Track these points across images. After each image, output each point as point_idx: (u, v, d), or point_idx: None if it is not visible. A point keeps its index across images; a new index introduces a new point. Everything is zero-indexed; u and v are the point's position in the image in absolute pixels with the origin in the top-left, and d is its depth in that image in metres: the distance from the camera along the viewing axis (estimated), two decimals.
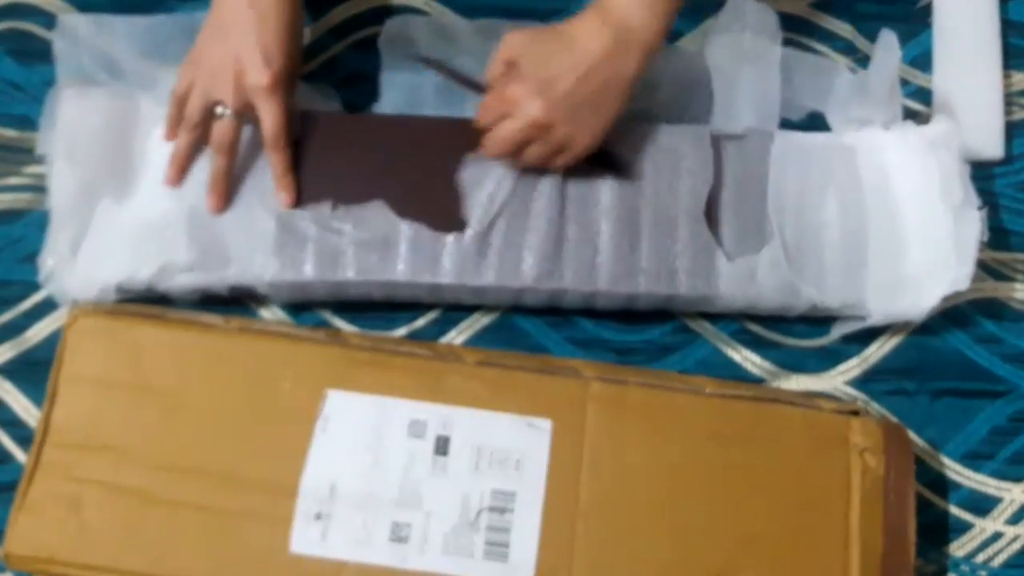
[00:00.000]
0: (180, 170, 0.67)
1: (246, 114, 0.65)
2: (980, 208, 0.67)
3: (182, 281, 0.66)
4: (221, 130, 0.65)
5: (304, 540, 0.58)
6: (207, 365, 0.61)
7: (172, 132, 0.68)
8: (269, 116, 0.64)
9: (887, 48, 0.70)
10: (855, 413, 0.61)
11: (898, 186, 0.69)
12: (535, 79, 0.61)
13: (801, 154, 0.70)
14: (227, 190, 0.67)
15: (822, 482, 0.59)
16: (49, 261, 0.67)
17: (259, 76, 0.63)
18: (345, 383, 0.61)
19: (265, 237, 0.66)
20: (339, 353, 0.62)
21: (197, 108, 0.65)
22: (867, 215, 0.69)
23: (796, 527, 0.58)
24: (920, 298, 0.67)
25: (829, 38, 0.78)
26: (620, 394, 0.61)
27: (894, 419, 0.67)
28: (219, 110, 0.64)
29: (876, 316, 0.67)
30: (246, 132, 0.67)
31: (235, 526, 0.58)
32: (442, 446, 0.60)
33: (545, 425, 0.60)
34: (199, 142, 0.67)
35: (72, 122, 0.69)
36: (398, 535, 0.58)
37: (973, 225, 0.66)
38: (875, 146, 0.70)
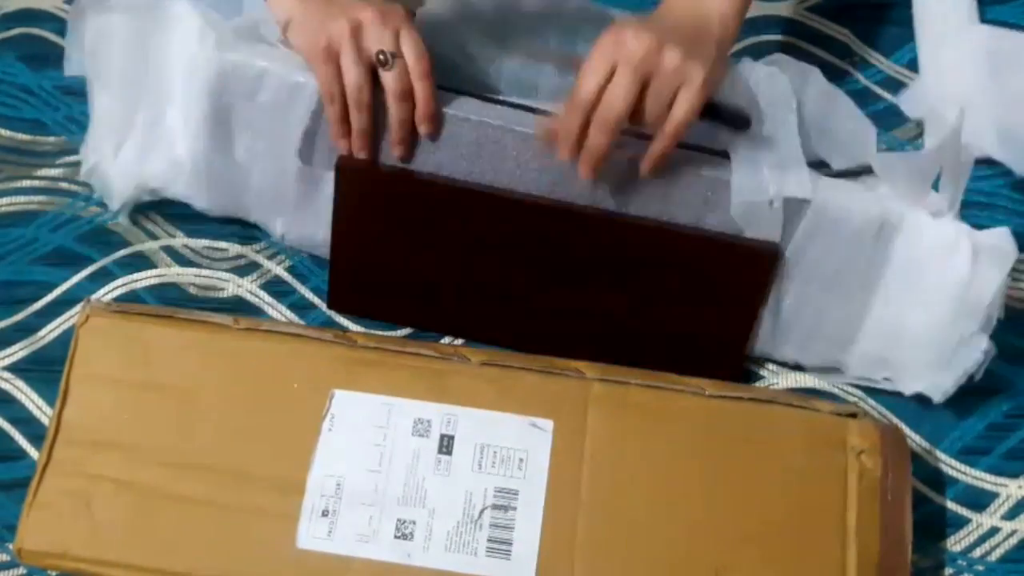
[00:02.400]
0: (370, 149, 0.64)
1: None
2: (990, 337, 0.63)
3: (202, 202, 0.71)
4: (395, 76, 0.61)
5: (311, 536, 0.58)
6: (216, 364, 0.62)
7: (341, 124, 0.63)
8: (411, 48, 0.61)
9: (948, 126, 0.59)
10: (853, 415, 0.61)
11: (921, 281, 0.64)
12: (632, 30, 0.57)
13: (832, 228, 0.63)
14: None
15: (819, 483, 0.59)
16: (91, 158, 0.69)
17: (392, 19, 0.61)
18: (351, 383, 0.61)
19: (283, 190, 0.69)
20: (346, 353, 0.62)
21: (359, 68, 0.61)
22: (875, 294, 0.65)
23: (793, 527, 0.59)
24: (895, 383, 0.67)
25: (825, 41, 0.78)
26: (621, 395, 0.61)
27: (892, 419, 0.68)
28: (382, 57, 0.60)
29: (849, 377, 0.68)
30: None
31: (243, 522, 0.59)
32: (446, 445, 0.60)
33: (547, 425, 0.60)
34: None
35: (97, 41, 0.68)
36: (403, 532, 0.58)
37: (975, 352, 0.63)
38: (916, 233, 0.63)
